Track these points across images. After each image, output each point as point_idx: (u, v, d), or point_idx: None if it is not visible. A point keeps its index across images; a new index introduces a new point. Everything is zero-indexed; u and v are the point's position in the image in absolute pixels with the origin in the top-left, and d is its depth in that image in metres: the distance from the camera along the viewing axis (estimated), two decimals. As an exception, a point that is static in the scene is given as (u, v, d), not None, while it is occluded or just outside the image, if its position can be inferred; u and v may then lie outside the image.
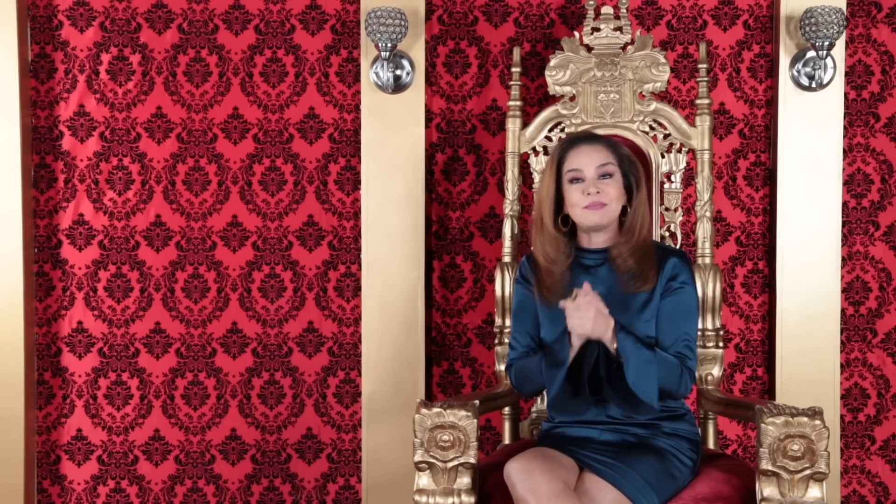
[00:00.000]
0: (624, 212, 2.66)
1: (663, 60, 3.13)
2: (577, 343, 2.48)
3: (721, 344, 3.03)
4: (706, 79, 3.14)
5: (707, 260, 3.06)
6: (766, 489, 2.41)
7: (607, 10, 3.19)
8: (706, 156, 3.09)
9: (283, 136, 3.59)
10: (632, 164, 2.68)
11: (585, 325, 2.45)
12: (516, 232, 3.15)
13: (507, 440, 3.08)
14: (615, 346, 2.48)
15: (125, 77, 3.58)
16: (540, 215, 2.69)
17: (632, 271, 2.61)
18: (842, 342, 3.49)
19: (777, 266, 3.44)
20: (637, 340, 2.50)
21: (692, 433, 2.65)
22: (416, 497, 2.51)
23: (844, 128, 3.46)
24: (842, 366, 3.50)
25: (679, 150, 3.12)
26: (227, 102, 3.59)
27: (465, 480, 2.49)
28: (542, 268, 2.69)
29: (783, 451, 2.38)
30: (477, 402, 2.53)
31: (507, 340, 2.93)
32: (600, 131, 3.07)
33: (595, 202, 2.60)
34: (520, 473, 2.41)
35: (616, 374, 2.50)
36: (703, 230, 3.07)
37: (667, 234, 3.11)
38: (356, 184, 3.57)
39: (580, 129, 3.14)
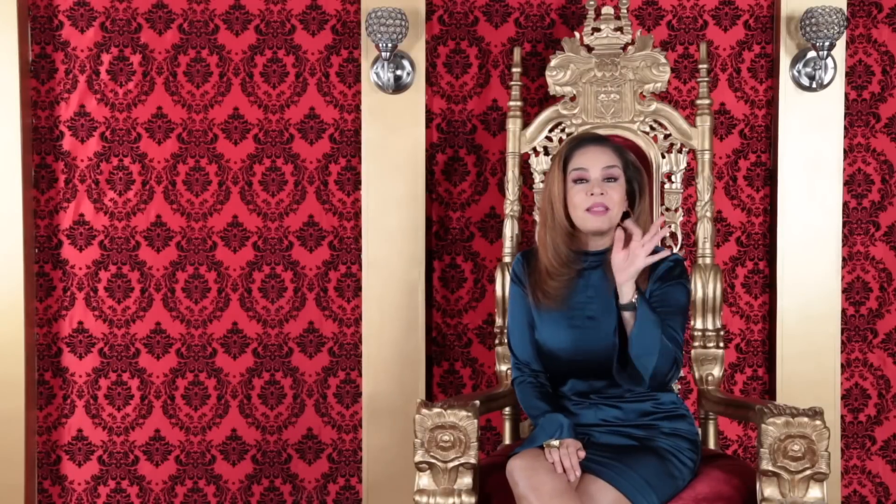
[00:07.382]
0: (624, 217, 2.62)
1: (664, 61, 3.13)
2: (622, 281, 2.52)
3: (721, 344, 3.03)
4: (707, 79, 3.14)
5: (707, 260, 3.06)
6: (767, 489, 2.41)
7: (608, 10, 3.19)
8: (706, 156, 3.09)
9: (284, 136, 3.59)
10: (636, 171, 2.65)
11: (636, 264, 2.49)
12: (517, 232, 3.14)
13: (507, 440, 3.08)
14: (635, 296, 2.49)
15: (126, 77, 3.58)
16: (551, 212, 2.63)
17: None
18: (842, 342, 3.49)
19: (777, 266, 3.44)
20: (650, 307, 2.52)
21: (692, 433, 2.63)
22: (417, 497, 2.51)
23: (845, 128, 3.46)
24: (842, 366, 3.50)
25: (679, 151, 3.11)
26: (228, 103, 3.59)
27: (465, 481, 2.49)
28: (545, 269, 2.65)
29: (784, 451, 2.38)
30: (477, 402, 2.53)
31: (507, 340, 2.92)
32: (601, 131, 3.07)
33: (598, 203, 2.57)
34: (522, 471, 2.41)
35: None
36: (704, 230, 3.07)
37: (667, 234, 3.10)
38: (356, 184, 3.57)
39: (581, 129, 3.14)
